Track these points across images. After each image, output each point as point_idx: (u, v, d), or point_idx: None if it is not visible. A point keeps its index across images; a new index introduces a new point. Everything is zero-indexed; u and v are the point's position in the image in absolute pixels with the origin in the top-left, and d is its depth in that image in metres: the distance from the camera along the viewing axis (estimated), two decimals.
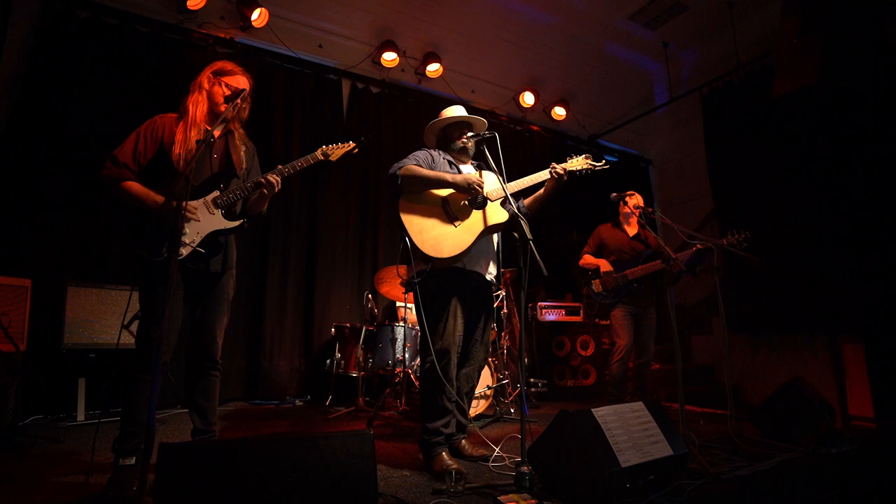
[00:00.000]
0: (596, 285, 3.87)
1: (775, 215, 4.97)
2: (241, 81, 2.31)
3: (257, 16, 4.65)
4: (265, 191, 2.24)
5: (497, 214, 2.55)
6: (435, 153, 2.68)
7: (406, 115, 5.64)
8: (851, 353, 4.38)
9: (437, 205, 2.52)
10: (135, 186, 2.13)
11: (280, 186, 2.26)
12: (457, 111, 2.77)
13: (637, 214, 3.70)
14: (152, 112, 2.31)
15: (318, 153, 2.38)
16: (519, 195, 2.66)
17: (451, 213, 2.52)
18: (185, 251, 2.11)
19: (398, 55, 5.37)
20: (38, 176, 3.74)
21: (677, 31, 5.71)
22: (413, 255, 2.45)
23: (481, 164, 2.78)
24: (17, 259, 3.50)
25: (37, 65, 3.85)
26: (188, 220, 2.12)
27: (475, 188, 2.43)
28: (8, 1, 3.82)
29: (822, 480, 2.38)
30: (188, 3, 4.40)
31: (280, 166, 2.29)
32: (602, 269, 3.84)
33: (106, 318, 3.49)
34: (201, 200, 2.18)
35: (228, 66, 2.33)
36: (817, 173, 4.69)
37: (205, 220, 2.18)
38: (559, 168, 2.61)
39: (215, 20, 4.66)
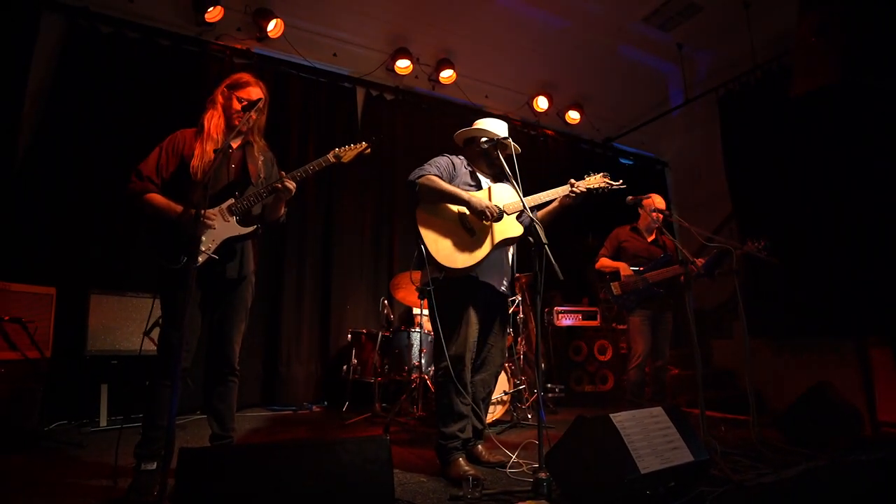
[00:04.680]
0: (615, 287, 3.81)
1: (796, 216, 4.86)
2: (255, 93, 2.34)
3: (273, 26, 4.73)
4: (281, 195, 2.27)
5: (512, 228, 2.56)
6: (457, 161, 2.68)
7: (420, 121, 5.67)
8: (880, 357, 4.24)
9: (454, 215, 2.53)
10: (157, 198, 2.20)
11: (295, 191, 2.29)
12: (494, 126, 2.70)
13: (660, 221, 3.65)
14: (173, 122, 2.37)
15: (331, 155, 2.39)
16: (534, 209, 2.66)
17: (467, 224, 2.52)
18: (201, 258, 2.15)
19: (412, 62, 5.41)
20: (62, 187, 3.83)
21: (692, 32, 5.64)
22: (428, 262, 2.46)
23: (499, 175, 2.78)
24: (42, 268, 3.58)
25: (62, 79, 3.96)
26: (205, 228, 2.16)
27: (487, 214, 2.43)
28: (35, 18, 3.95)
29: (849, 489, 2.31)
30: (206, 16, 4.49)
31: (293, 171, 2.31)
32: (623, 273, 3.78)
33: (127, 325, 3.55)
34: (217, 209, 2.23)
35: (243, 78, 2.37)
36: (838, 172, 4.58)
37: (220, 228, 2.22)
38: (581, 186, 2.62)
39: (232, 31, 4.76)
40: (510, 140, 2.60)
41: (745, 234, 3.37)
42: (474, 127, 2.73)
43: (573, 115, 6.53)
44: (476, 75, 5.94)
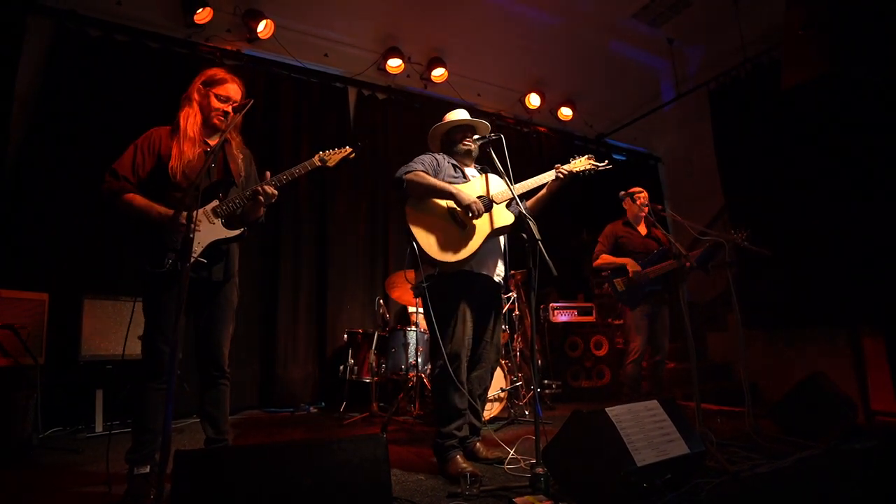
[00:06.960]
0: (619, 284, 3.78)
1: (789, 208, 4.89)
2: (232, 89, 2.29)
3: (263, 27, 4.70)
4: (261, 198, 2.21)
5: (503, 217, 2.56)
6: (440, 157, 2.69)
7: (412, 120, 5.66)
8: (872, 346, 4.29)
9: (443, 210, 2.53)
10: (138, 199, 2.13)
11: (276, 196, 2.25)
12: (460, 115, 2.79)
13: (646, 213, 3.66)
14: (163, 125, 2.33)
15: (316, 159, 2.35)
16: (523, 197, 2.67)
17: (457, 217, 2.52)
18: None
19: (403, 61, 5.40)
20: (53, 191, 3.81)
21: (682, 27, 5.67)
22: (421, 259, 2.46)
23: (485, 168, 2.78)
24: (34, 274, 3.56)
25: (51, 83, 3.94)
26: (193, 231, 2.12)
27: (473, 209, 2.43)
28: (23, 22, 3.91)
29: (844, 477, 2.33)
30: (195, 18, 4.46)
31: (278, 175, 2.27)
32: (631, 268, 3.71)
33: (121, 329, 3.52)
34: (201, 210, 2.16)
35: (219, 74, 2.31)
36: (831, 164, 4.61)
37: (205, 230, 2.16)
38: (563, 169, 2.63)
39: (222, 33, 4.73)
40: (494, 134, 2.60)
41: (737, 227, 3.39)
42: (448, 120, 2.76)
43: (565, 112, 6.55)
44: (468, 73, 5.94)
